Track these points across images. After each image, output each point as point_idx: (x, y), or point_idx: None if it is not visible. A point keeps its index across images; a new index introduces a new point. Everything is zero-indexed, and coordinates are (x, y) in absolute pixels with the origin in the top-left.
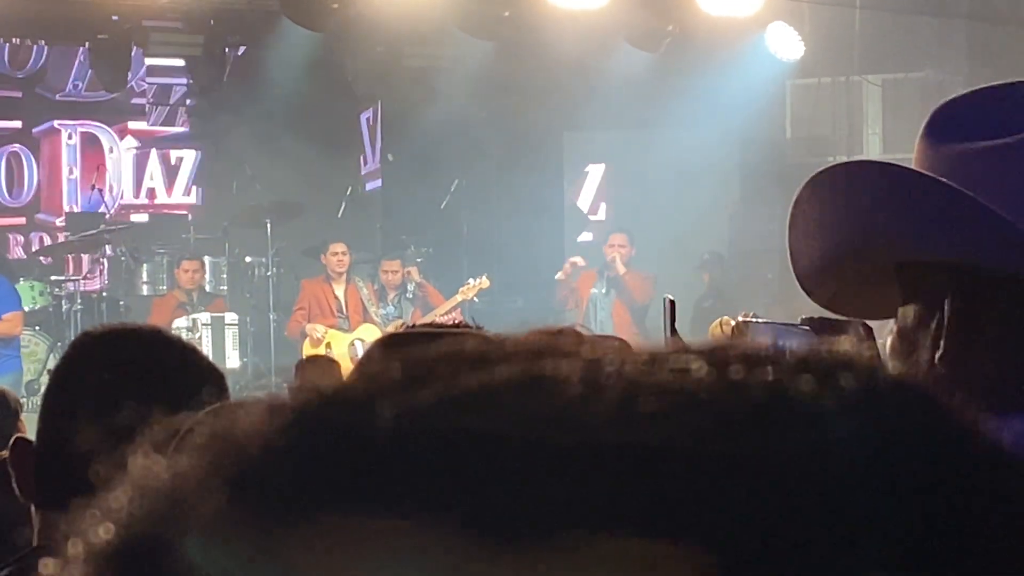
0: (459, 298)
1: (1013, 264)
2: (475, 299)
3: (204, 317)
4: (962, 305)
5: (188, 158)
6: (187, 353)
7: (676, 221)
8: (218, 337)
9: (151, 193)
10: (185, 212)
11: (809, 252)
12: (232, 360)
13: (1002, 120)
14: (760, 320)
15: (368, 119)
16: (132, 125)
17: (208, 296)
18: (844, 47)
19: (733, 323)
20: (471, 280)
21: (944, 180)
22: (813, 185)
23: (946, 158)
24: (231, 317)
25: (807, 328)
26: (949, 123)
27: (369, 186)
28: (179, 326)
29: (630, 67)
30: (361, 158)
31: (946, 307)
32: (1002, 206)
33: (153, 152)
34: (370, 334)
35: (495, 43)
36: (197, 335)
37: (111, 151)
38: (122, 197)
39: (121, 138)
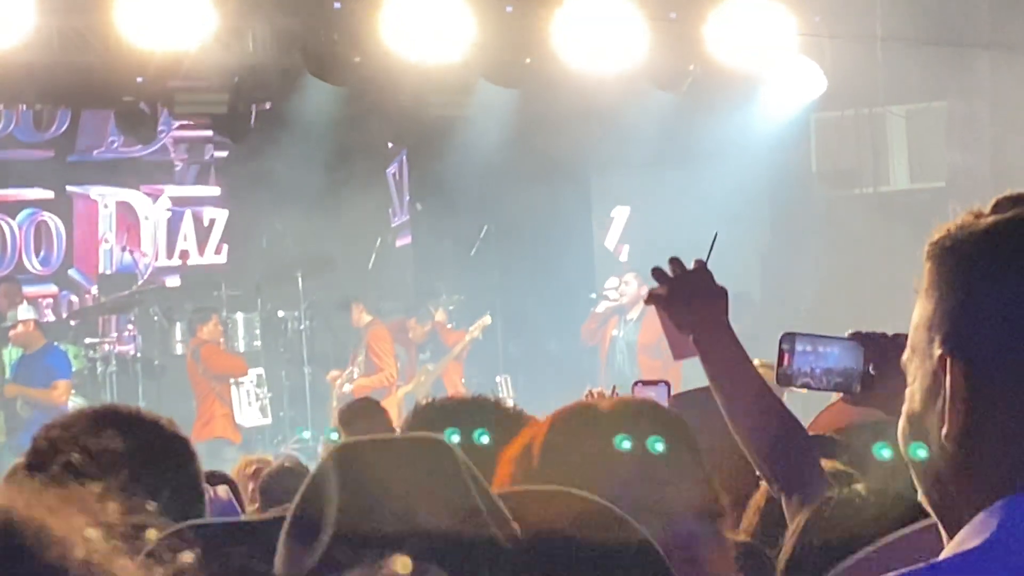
0: (467, 338)
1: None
2: (479, 336)
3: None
4: (961, 381)
5: (219, 217)
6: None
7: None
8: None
9: (184, 254)
10: (217, 270)
11: None
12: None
13: None
14: (807, 333)
15: (394, 173)
16: (161, 186)
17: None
18: (867, 79)
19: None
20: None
21: None
22: None
23: None
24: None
25: (854, 341)
26: None
27: (399, 242)
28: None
29: (654, 107)
30: (390, 211)
31: (946, 385)
32: None
33: (185, 213)
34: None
35: (519, 90)
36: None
37: (143, 215)
38: (156, 259)
39: (153, 200)
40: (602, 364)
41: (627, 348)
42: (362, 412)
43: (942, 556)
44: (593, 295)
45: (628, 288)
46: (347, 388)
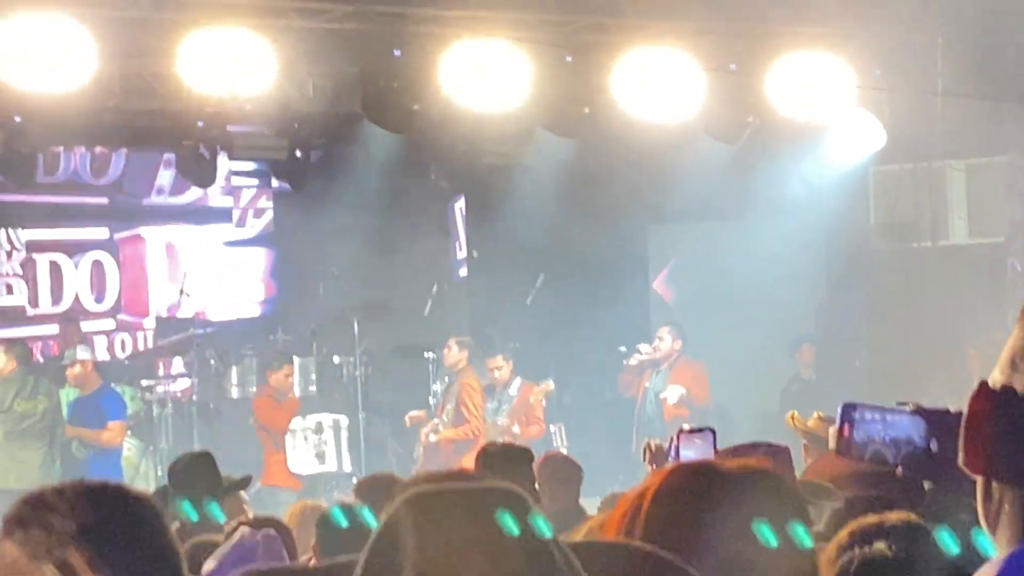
0: (531, 399)
1: None
2: (543, 401)
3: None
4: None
5: (272, 259)
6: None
7: (763, 311)
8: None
9: (228, 294)
10: (272, 314)
11: None
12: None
13: None
14: (868, 404)
15: (461, 208)
16: (217, 228)
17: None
18: (926, 133)
19: (813, 415)
20: (539, 383)
21: None
22: None
23: None
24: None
25: (912, 411)
26: None
27: (461, 273)
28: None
29: (712, 159)
30: (456, 244)
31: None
32: None
33: (237, 254)
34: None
35: (576, 139)
36: (322, 436)
37: (192, 254)
38: (203, 299)
39: (206, 242)
40: (636, 415)
41: (655, 398)
42: (508, 459)
43: None
44: (623, 348)
45: (663, 344)
46: (433, 438)
